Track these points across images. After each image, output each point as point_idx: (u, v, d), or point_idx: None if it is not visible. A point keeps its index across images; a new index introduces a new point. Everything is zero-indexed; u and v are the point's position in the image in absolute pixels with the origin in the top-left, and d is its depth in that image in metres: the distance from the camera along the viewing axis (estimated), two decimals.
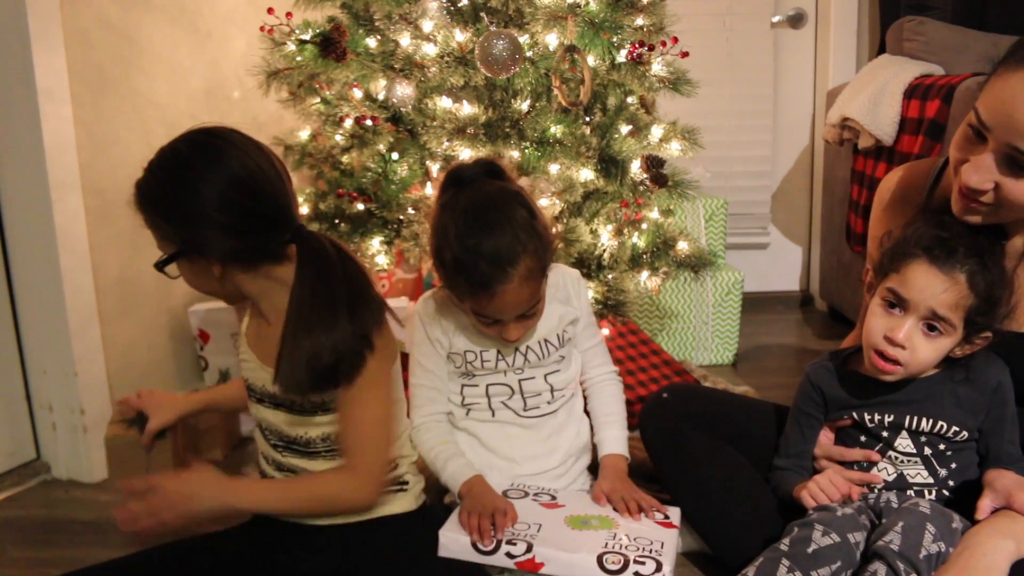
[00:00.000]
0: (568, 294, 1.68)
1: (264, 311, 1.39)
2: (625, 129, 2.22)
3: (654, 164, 2.20)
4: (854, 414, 1.51)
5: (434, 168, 2.10)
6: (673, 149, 2.29)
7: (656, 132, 2.28)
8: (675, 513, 1.58)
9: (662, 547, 1.44)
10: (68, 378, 2.15)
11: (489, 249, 1.42)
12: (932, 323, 1.38)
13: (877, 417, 1.49)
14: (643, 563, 1.39)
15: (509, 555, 1.41)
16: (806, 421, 1.58)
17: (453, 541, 1.44)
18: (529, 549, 1.41)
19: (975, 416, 1.44)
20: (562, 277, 1.69)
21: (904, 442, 1.47)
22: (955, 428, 1.43)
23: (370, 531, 1.43)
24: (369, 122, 2.08)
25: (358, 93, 2.16)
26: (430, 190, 2.15)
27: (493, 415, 1.67)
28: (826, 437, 1.56)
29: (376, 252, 2.14)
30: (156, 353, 2.40)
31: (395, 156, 2.09)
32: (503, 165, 1.58)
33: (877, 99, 2.99)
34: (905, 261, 1.41)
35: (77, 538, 1.91)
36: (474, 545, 1.42)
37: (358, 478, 1.35)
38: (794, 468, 1.57)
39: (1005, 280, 1.39)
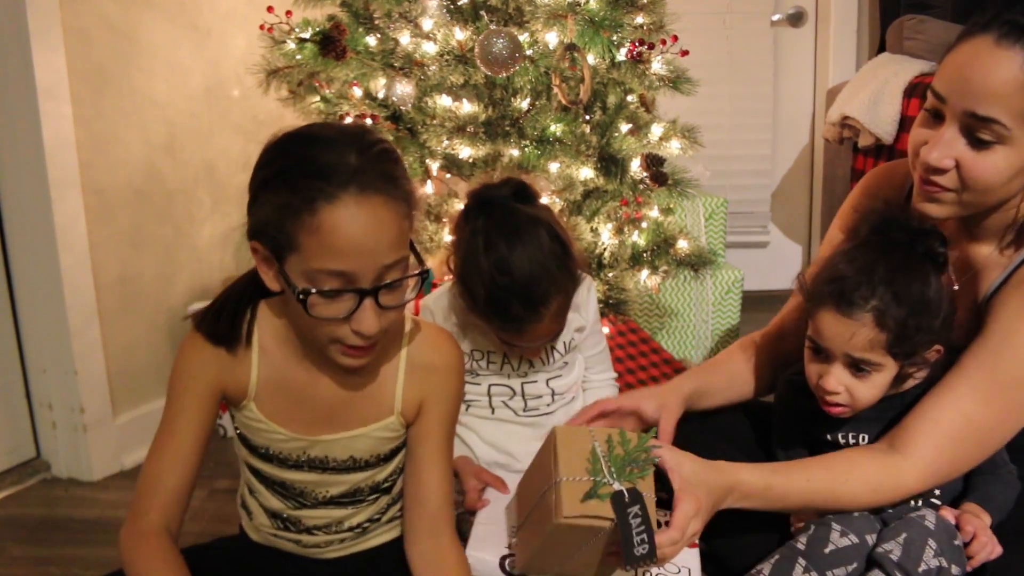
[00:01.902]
0: (578, 302, 1.67)
1: (309, 349, 1.21)
2: (625, 127, 2.22)
3: (654, 162, 2.20)
4: (828, 435, 1.50)
5: (434, 167, 2.10)
6: (673, 147, 2.29)
7: (656, 130, 2.28)
8: None
9: (689, 568, 1.42)
10: (68, 377, 2.15)
11: (522, 290, 1.39)
12: (857, 365, 1.35)
13: (852, 438, 1.48)
14: None
15: None
16: (790, 434, 1.58)
17: (480, 561, 1.36)
18: None
19: None
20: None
21: None
22: None
23: (373, 557, 1.36)
24: (369, 120, 2.08)
25: (358, 91, 2.16)
26: (430, 188, 2.14)
27: (492, 412, 1.67)
28: None
29: None
30: (156, 352, 2.40)
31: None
32: (531, 185, 1.54)
33: (877, 97, 2.99)
34: (816, 308, 1.37)
35: (77, 536, 1.92)
36: (501, 566, 1.36)
37: None
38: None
39: (928, 300, 1.32)
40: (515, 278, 1.39)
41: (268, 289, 1.14)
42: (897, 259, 1.35)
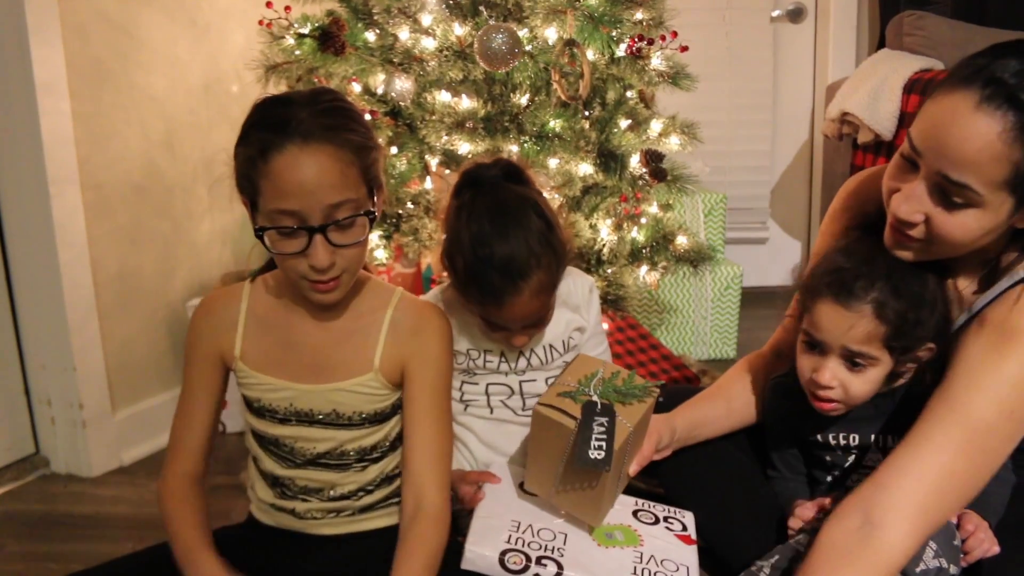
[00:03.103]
0: (578, 302, 1.66)
1: (294, 306, 1.35)
2: (624, 123, 2.22)
3: (653, 158, 2.20)
4: (818, 437, 1.50)
5: (433, 162, 2.10)
6: (672, 143, 2.29)
7: (655, 126, 2.28)
8: (690, 521, 1.56)
9: (688, 572, 1.43)
10: (67, 373, 2.15)
11: (502, 261, 1.39)
12: (853, 359, 1.34)
13: (843, 438, 1.47)
14: None
15: None
16: (780, 436, 1.58)
17: (479, 556, 1.36)
18: (559, 572, 1.36)
19: None
20: (574, 284, 1.67)
21: (876, 456, 1.45)
22: None
23: (374, 540, 1.41)
24: (368, 116, 2.08)
25: (357, 87, 2.15)
26: (429, 184, 2.14)
27: (491, 412, 1.66)
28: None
29: (375, 247, 2.14)
30: (155, 347, 2.40)
31: (394, 150, 2.08)
32: (523, 167, 1.56)
33: (877, 94, 2.99)
34: (813, 300, 1.37)
35: (76, 532, 1.92)
36: (501, 562, 1.36)
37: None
38: (785, 475, 1.58)
39: (925, 296, 1.32)
40: (495, 249, 1.40)
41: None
42: (891, 257, 1.35)
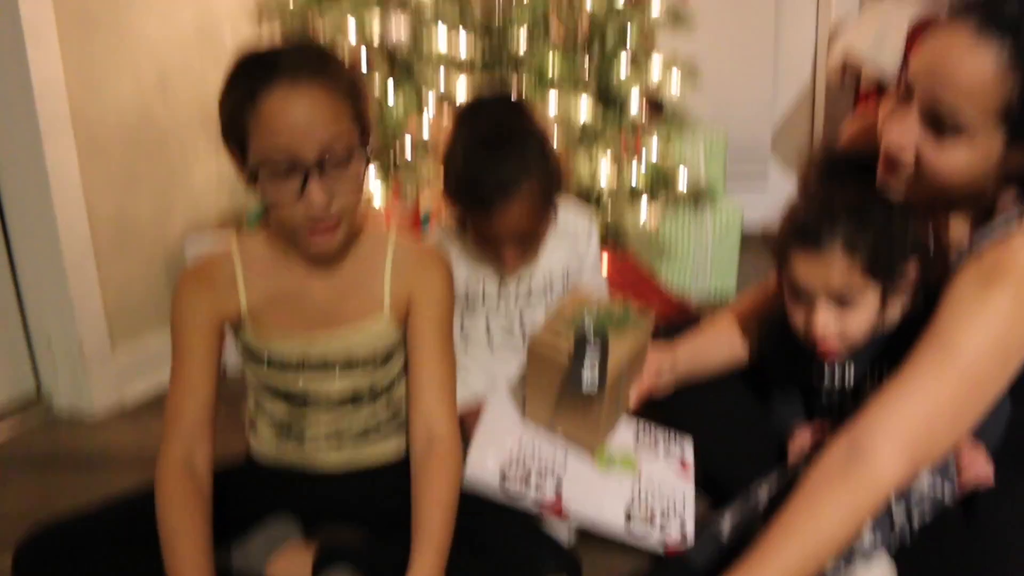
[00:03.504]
0: (578, 233, 1.67)
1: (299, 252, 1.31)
2: (624, 64, 2.19)
3: (654, 97, 2.18)
4: (815, 373, 1.50)
5: (430, 100, 2.07)
6: (673, 83, 2.26)
7: (656, 67, 2.25)
8: (688, 449, 1.57)
9: (684, 502, 1.45)
10: (65, 313, 2.15)
11: (493, 166, 1.43)
12: (840, 298, 1.34)
13: (839, 375, 1.48)
14: (668, 525, 1.39)
15: (536, 503, 1.38)
16: (776, 372, 1.58)
17: (482, 472, 1.39)
18: (557, 496, 1.39)
19: None
20: (574, 216, 1.69)
21: (872, 393, 1.46)
22: None
23: (377, 474, 1.44)
24: (364, 59, 2.05)
25: (352, 28, 2.12)
26: (427, 123, 2.12)
27: (492, 347, 1.67)
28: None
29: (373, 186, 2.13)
30: (153, 287, 2.40)
31: (391, 89, 2.06)
32: (525, 100, 1.60)
33: (881, 35, 2.95)
34: (785, 256, 1.38)
35: (79, 469, 1.94)
36: (502, 477, 1.39)
37: None
38: (783, 405, 1.59)
39: (891, 218, 1.31)
40: (488, 154, 1.44)
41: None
42: (850, 191, 1.35)
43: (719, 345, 1.65)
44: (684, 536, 1.39)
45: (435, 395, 1.34)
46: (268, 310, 1.33)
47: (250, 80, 1.15)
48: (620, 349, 1.36)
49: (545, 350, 1.37)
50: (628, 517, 1.39)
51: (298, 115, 1.14)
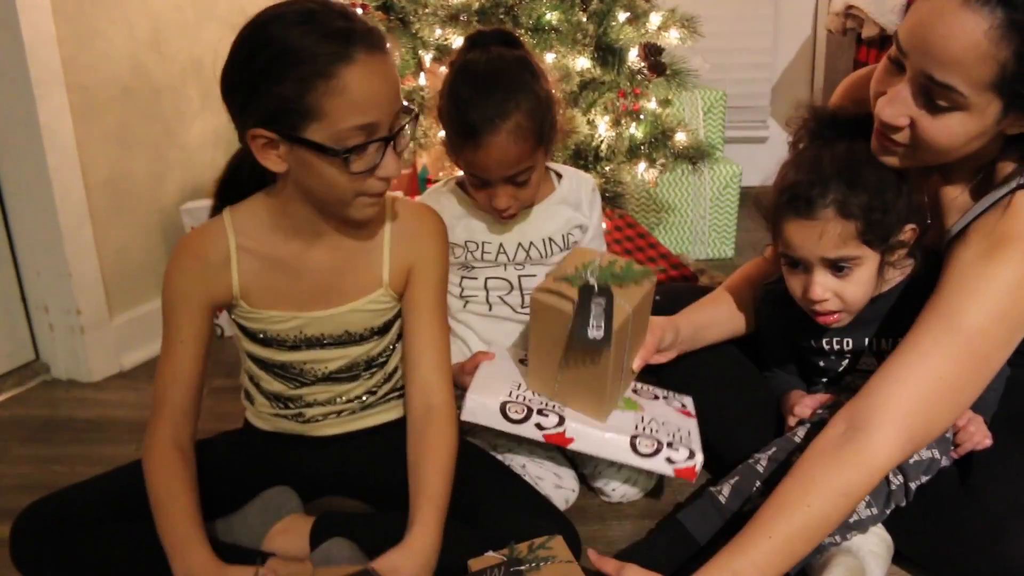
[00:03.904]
0: (580, 199, 1.66)
1: (301, 228, 1.29)
2: (623, 16, 2.16)
3: (652, 52, 2.16)
4: (811, 342, 1.49)
5: (427, 58, 2.05)
6: (672, 37, 2.24)
7: (654, 19, 2.23)
8: (689, 402, 1.58)
9: (690, 435, 1.44)
10: (62, 279, 2.14)
11: (482, 97, 1.43)
12: (836, 265, 1.33)
13: (836, 343, 1.47)
14: (676, 449, 1.38)
15: (539, 426, 1.38)
16: (775, 343, 1.58)
17: (480, 406, 1.39)
18: (560, 422, 1.38)
19: None
20: (576, 182, 1.68)
21: (870, 360, 1.45)
22: None
23: (374, 437, 1.43)
24: (359, 11, 2.02)
25: None
26: (423, 80, 2.10)
27: (490, 309, 1.66)
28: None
29: None
30: (150, 252, 2.38)
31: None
32: (520, 38, 1.59)
33: None
34: (778, 223, 1.36)
35: (79, 436, 1.93)
36: (502, 411, 1.38)
37: None
38: (781, 375, 1.59)
39: (884, 180, 1.30)
40: (478, 85, 1.45)
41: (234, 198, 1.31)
42: (840, 151, 1.33)
43: (719, 317, 1.64)
44: (693, 459, 1.37)
45: (432, 363, 1.34)
46: (263, 288, 1.31)
47: (320, 53, 1.10)
48: (625, 303, 1.34)
49: (549, 300, 1.35)
50: (634, 443, 1.38)
51: (382, 87, 1.14)
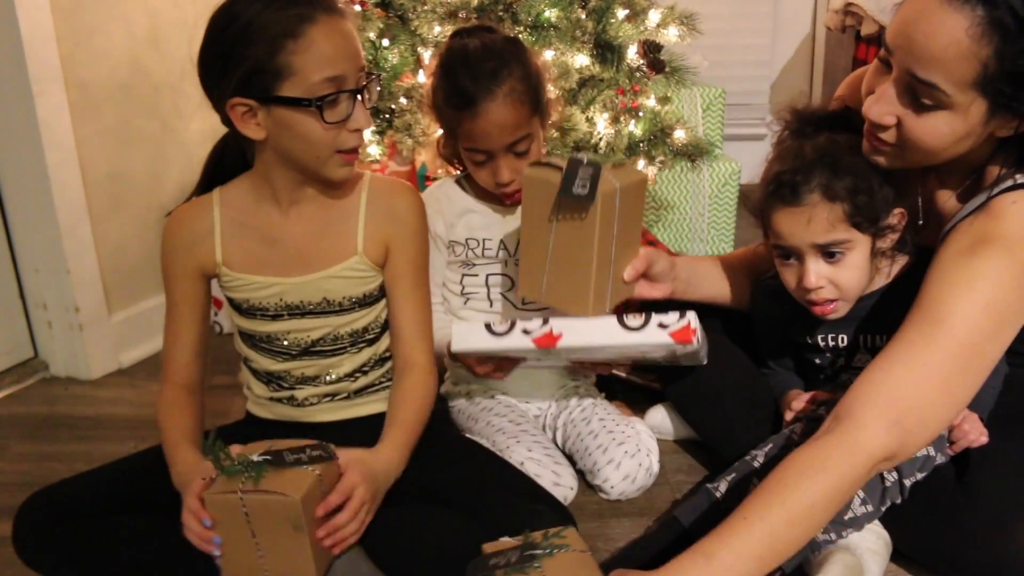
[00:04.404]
0: None
1: (280, 196, 1.37)
2: (622, 13, 2.16)
3: (651, 49, 2.15)
4: (807, 339, 1.50)
5: (426, 55, 2.04)
6: (671, 34, 2.23)
7: (653, 16, 2.23)
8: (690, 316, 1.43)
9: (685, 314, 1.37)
10: (61, 276, 2.14)
11: (474, 66, 1.48)
12: (828, 251, 1.33)
13: (831, 340, 1.48)
14: (665, 313, 1.34)
15: (525, 331, 1.39)
16: (771, 338, 1.58)
17: (465, 329, 1.43)
18: (545, 322, 1.38)
19: None
20: None
21: (864, 357, 1.46)
22: None
23: (370, 425, 1.43)
24: (358, 7, 2.01)
25: None
26: (422, 78, 2.09)
27: (491, 305, 1.67)
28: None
29: (368, 143, 2.10)
30: (149, 249, 2.37)
31: (386, 43, 2.03)
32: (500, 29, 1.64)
33: None
34: (767, 215, 1.37)
35: (78, 433, 1.94)
36: (488, 328, 1.41)
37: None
38: (778, 370, 1.59)
39: (868, 163, 1.31)
40: (467, 53, 1.50)
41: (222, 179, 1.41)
42: (821, 141, 1.35)
43: (715, 274, 1.65)
44: (686, 317, 1.32)
45: (415, 332, 1.43)
46: (244, 254, 1.38)
47: (287, 15, 1.20)
48: (613, 179, 1.32)
49: (539, 172, 1.35)
50: (621, 319, 1.35)
51: (345, 42, 1.25)
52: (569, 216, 1.32)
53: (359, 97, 1.27)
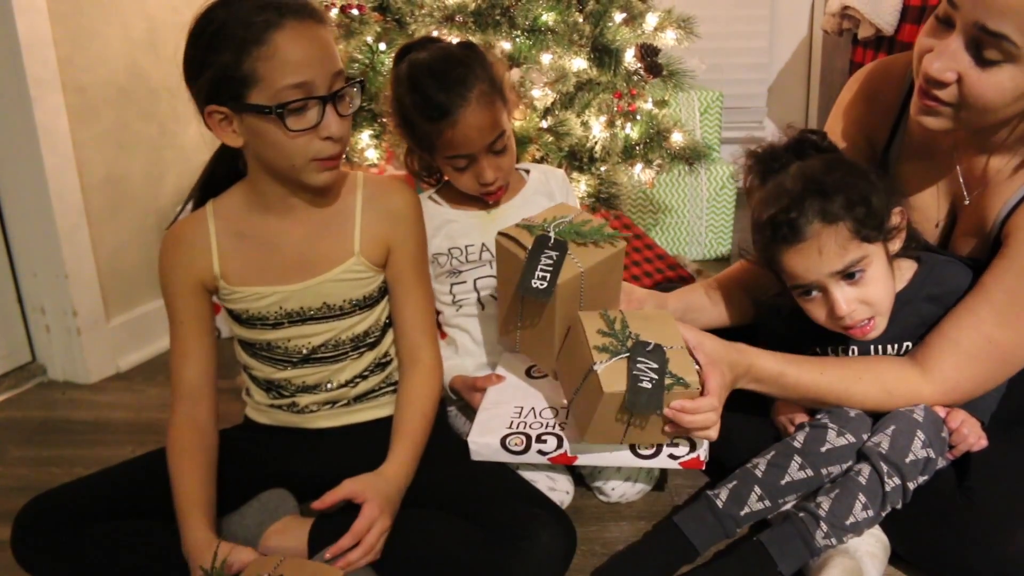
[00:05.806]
0: (552, 189, 1.71)
1: (272, 203, 1.36)
2: (619, 17, 2.16)
3: (649, 53, 2.15)
4: (817, 350, 1.49)
5: None
6: (668, 38, 2.23)
7: (651, 20, 2.23)
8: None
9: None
10: (59, 280, 2.13)
11: (441, 77, 1.49)
12: (848, 274, 1.32)
13: (841, 351, 1.46)
14: (676, 445, 1.36)
15: (541, 452, 1.39)
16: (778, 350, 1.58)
17: (483, 446, 1.41)
18: (560, 444, 1.39)
19: None
20: (545, 174, 1.73)
21: None
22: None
23: (370, 432, 1.44)
24: (355, 11, 2.01)
25: None
26: None
27: (483, 309, 1.67)
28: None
29: (365, 146, 2.10)
30: (147, 254, 2.37)
31: (382, 47, 2.02)
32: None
33: None
34: (774, 259, 1.36)
35: (76, 437, 1.93)
36: (503, 445, 1.40)
37: None
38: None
39: (850, 173, 1.31)
40: (431, 64, 1.51)
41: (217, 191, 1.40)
42: (794, 171, 1.34)
43: (705, 308, 1.65)
44: (696, 451, 1.35)
45: (419, 328, 1.45)
46: (241, 265, 1.37)
47: (253, 23, 1.19)
48: (579, 261, 1.34)
49: (507, 244, 1.37)
50: (634, 448, 1.37)
51: (313, 48, 1.22)
52: (531, 300, 1.35)
53: (332, 105, 1.24)
